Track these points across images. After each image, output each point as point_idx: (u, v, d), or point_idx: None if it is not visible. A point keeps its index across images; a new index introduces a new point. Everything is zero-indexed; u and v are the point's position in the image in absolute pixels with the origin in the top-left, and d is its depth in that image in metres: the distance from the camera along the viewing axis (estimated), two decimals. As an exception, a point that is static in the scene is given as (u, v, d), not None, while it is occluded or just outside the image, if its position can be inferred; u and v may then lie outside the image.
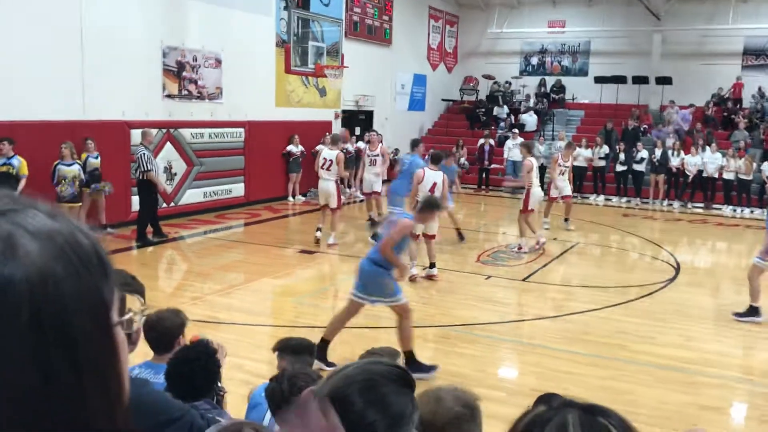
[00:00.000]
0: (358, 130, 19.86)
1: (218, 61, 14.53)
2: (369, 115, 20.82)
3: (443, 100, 25.11)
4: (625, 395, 5.72)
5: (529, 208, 11.61)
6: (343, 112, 19.32)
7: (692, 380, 5.99)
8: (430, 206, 6.71)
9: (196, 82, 14.08)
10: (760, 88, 21.19)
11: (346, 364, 1.36)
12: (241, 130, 15.24)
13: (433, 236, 9.71)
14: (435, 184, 9.61)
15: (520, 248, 11.51)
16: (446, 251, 12.03)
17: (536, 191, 11.77)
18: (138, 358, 3.26)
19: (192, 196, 14.10)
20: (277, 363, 3.62)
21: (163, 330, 3.24)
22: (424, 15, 23.49)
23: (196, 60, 13.99)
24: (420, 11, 23.18)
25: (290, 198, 16.62)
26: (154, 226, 11.39)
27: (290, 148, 16.53)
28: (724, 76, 21.84)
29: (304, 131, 17.01)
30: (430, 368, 5.95)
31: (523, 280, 9.80)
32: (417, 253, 9.44)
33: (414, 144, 12.64)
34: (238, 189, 15.30)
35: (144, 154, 10.97)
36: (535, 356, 6.69)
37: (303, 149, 16.67)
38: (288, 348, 3.65)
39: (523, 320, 7.78)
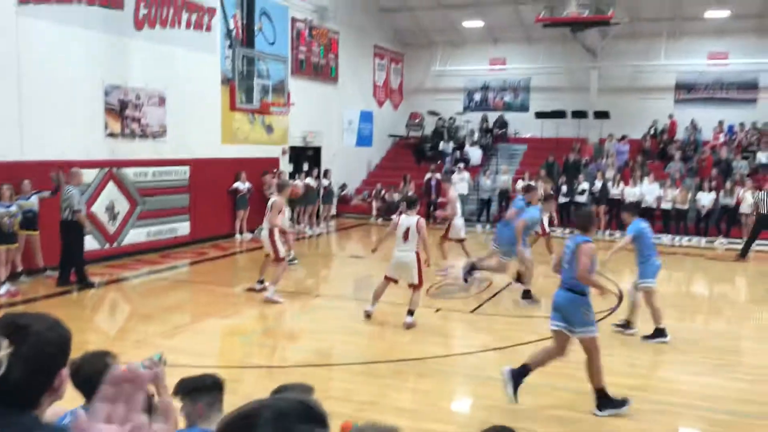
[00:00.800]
0: (306, 166, 19.87)
1: (162, 99, 14.41)
2: (317, 151, 20.88)
3: (390, 135, 25.41)
4: (575, 425, 5.78)
5: (450, 236, 12.72)
6: (291, 148, 19.33)
7: (637, 407, 6.09)
8: None
9: (139, 121, 13.90)
10: (692, 121, 22.11)
11: (251, 401, 1.29)
12: (186, 167, 15.08)
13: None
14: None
15: (445, 271, 12.44)
16: (398, 285, 12.05)
17: (457, 221, 12.85)
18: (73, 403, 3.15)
19: (135, 235, 13.82)
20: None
21: (87, 375, 3.07)
22: (369, 53, 23.84)
23: (139, 98, 13.84)
24: (365, 49, 23.52)
25: (238, 235, 16.44)
26: (79, 272, 10.78)
27: (237, 185, 16.42)
28: (659, 109, 22.74)
29: (252, 168, 16.93)
30: (622, 403, 5.92)
31: (472, 312, 9.87)
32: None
33: (527, 190, 11.62)
34: (183, 228, 15.06)
35: (73, 194, 10.67)
36: (485, 388, 6.71)
37: (250, 186, 16.57)
38: (182, 389, 3.33)
39: (473, 352, 7.81)
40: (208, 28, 15.60)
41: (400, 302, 10.47)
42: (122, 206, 13.48)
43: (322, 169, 20.35)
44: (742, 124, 21.65)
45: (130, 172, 13.65)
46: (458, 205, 12.92)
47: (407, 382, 6.72)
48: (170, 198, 14.60)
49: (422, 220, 8.88)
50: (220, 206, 16.05)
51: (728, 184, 18.06)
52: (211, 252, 14.66)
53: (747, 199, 17.27)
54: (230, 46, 14.97)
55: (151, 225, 14.17)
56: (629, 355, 7.81)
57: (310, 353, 7.70)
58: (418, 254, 8.81)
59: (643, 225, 8.77)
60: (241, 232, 16.47)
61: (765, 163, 19.78)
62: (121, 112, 13.45)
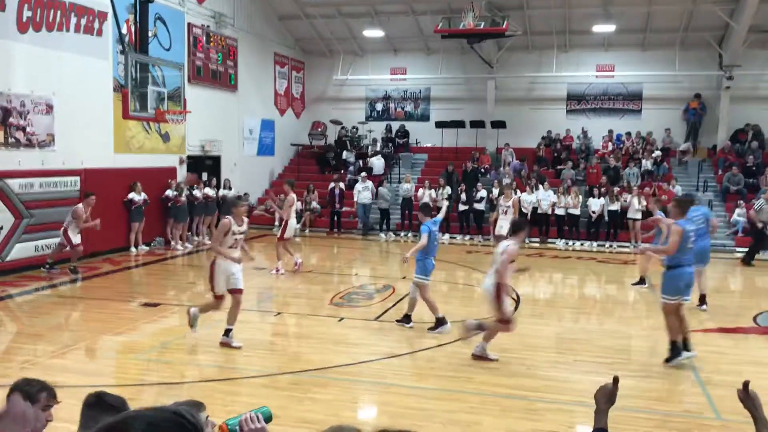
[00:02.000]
0: (205, 176, 19.40)
1: (50, 107, 13.71)
2: (216, 160, 20.44)
3: (293, 144, 25.22)
4: (474, 427, 5.89)
5: (285, 236, 13.82)
6: (189, 157, 18.82)
7: (534, 407, 6.29)
8: None
9: (24, 129, 13.16)
10: (583, 128, 23.21)
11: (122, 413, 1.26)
12: (77, 178, 14.39)
13: None
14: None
15: (277, 270, 13.44)
16: (301, 295, 11.96)
17: (292, 222, 14.01)
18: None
19: (21, 250, 13.05)
20: None
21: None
22: (269, 61, 23.60)
23: (24, 105, 13.11)
24: (265, 57, 23.27)
25: (133, 248, 15.83)
26: None
27: (132, 195, 15.82)
28: (552, 119, 23.76)
29: (148, 178, 16.35)
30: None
31: (375, 319, 9.91)
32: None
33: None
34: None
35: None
36: (387, 395, 6.74)
37: (146, 197, 16.01)
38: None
39: (375, 360, 7.82)
40: (99, 33, 14.99)
41: (305, 313, 10.40)
42: (6, 220, 12.70)
43: (222, 178, 19.94)
44: (628, 133, 22.90)
45: (14, 184, 12.88)
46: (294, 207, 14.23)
47: (309, 393, 6.64)
48: (60, 210, 13.86)
49: None
50: (113, 218, 15.39)
51: (616, 190, 19.05)
52: (104, 266, 14.04)
53: (634, 204, 18.27)
54: (122, 52, 14.40)
55: (39, 239, 13.42)
56: (526, 356, 8.05)
57: (211, 368, 7.49)
58: None
59: (434, 227, 9.45)
60: (136, 245, 15.87)
61: (650, 169, 20.97)
62: (4, 120, 12.70)
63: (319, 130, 25.21)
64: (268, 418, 2.71)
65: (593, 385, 6.96)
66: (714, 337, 9.28)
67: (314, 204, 21.42)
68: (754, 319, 10.38)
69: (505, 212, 15.75)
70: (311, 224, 21.15)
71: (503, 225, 14.27)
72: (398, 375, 7.35)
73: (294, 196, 14.08)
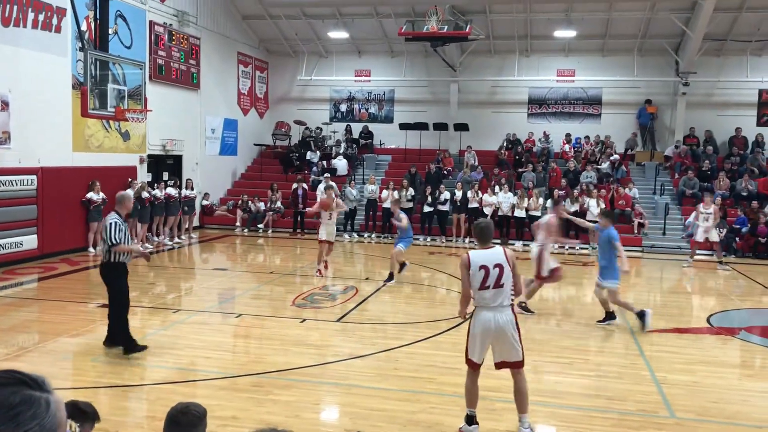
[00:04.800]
0: (166, 176, 19.16)
1: (5, 104, 13.40)
2: (178, 159, 20.20)
3: (256, 144, 25.06)
4: (436, 427, 5.94)
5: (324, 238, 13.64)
6: (149, 156, 18.57)
7: (494, 407, 6.37)
8: None
9: (-22, 126, 12.84)
10: (544, 132, 23.55)
11: None
12: (33, 177, 14.10)
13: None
14: None
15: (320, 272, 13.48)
16: (263, 297, 11.89)
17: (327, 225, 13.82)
18: None
19: (-26, 250, 12.72)
20: None
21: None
22: (233, 60, 23.42)
23: (-22, 102, 12.79)
24: (229, 56, 23.08)
25: (91, 249, 15.56)
26: None
27: (90, 195, 15.55)
28: (514, 122, 24.05)
29: (107, 177, 16.09)
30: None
31: (338, 320, 9.91)
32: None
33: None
34: (30, 241, 14.05)
35: None
36: (349, 396, 6.76)
37: (104, 196, 15.74)
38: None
39: (338, 361, 7.83)
40: (58, 29, 14.71)
41: (267, 314, 10.35)
42: (-42, 219, 12.38)
43: (184, 178, 19.71)
44: (587, 137, 23.31)
45: (-33, 182, 12.56)
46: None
47: (270, 395, 6.62)
48: (15, 210, 13.58)
49: None
50: (71, 218, 15.13)
51: (575, 192, 19.37)
52: (61, 267, 13.77)
53: (592, 206, 18.59)
54: (82, 49, 14.15)
55: (-7, 239, 13.11)
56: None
57: (171, 370, 7.41)
58: None
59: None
60: (94, 246, 15.60)
61: (608, 172, 21.37)
62: (-43, 116, 12.37)
63: (283, 130, 25.11)
64: None
65: (552, 386, 7.08)
66: (669, 337, 9.50)
67: (278, 204, 21.33)
68: (707, 319, 10.66)
69: None
70: (274, 225, 21.04)
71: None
72: (361, 376, 7.37)
73: (326, 196, 14.12)
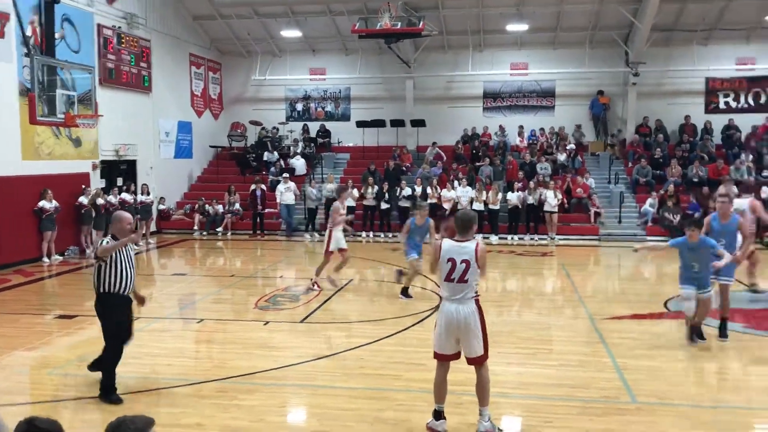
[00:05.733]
0: (120, 181, 18.80)
1: (-52, 112, 12.96)
2: (132, 164, 19.83)
3: (212, 146, 24.77)
4: (403, 423, 5.95)
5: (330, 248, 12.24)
6: (102, 162, 18.19)
7: (460, 401, 6.40)
8: None
9: None
10: (500, 126, 23.78)
11: None
12: (-19, 187, 13.68)
13: None
14: None
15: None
16: (224, 300, 11.76)
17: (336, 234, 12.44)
18: None
19: None
20: None
21: None
22: (184, 61, 23.08)
23: None
24: (180, 58, 22.73)
25: (45, 258, 15.18)
26: None
27: (43, 203, 15.16)
28: (470, 117, 24.23)
29: (59, 185, 15.71)
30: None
31: (302, 321, 9.85)
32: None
33: None
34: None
35: None
36: (316, 397, 6.72)
37: (58, 205, 15.38)
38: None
39: (302, 362, 7.78)
40: (1, 35, 14.28)
41: (230, 318, 10.23)
42: None
43: (139, 183, 19.36)
44: (542, 129, 23.62)
45: None
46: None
47: (235, 400, 6.54)
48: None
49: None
50: (23, 228, 14.73)
51: (531, 184, 19.62)
52: (14, 278, 13.39)
53: (549, 197, 18.85)
54: (27, 54, 13.78)
55: (-60, 252, 12.69)
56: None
57: (132, 379, 7.26)
58: None
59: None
60: (49, 255, 15.23)
61: (565, 164, 21.68)
62: None
63: (239, 131, 24.87)
64: None
65: (516, 377, 7.15)
66: (628, 323, 9.69)
67: (236, 206, 21.11)
68: (665, 304, 10.89)
69: None
70: (233, 227, 20.82)
71: None
72: (326, 376, 7.34)
73: (338, 204, 12.45)
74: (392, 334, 8.93)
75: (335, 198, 20.35)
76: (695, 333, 8.49)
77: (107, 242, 6.58)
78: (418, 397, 6.57)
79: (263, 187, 21.10)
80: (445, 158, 22.61)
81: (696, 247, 8.13)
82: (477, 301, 5.76)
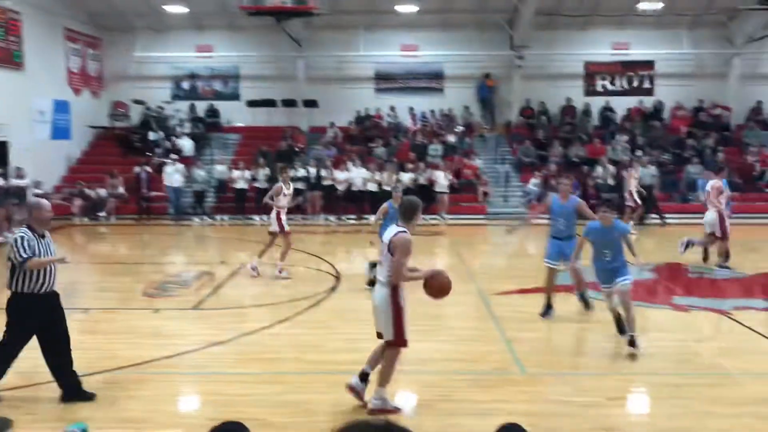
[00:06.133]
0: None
1: None
2: (3, 146, 18.50)
3: (91, 127, 23.49)
4: (303, 406, 5.93)
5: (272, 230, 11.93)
6: (-31, 144, 16.86)
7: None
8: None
9: None
10: (392, 107, 23.94)
11: None
12: None
13: None
14: None
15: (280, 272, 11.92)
16: (110, 288, 11.28)
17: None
18: None
19: None
20: None
21: None
22: (59, 36, 21.69)
23: None
24: (54, 32, 21.34)
25: None
26: None
27: None
28: (362, 98, 24.22)
29: None
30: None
31: (194, 308, 9.59)
32: None
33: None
34: None
35: None
36: (210, 385, 6.57)
37: None
38: None
39: (197, 350, 7.58)
40: None
41: (116, 307, 9.80)
42: None
43: (12, 166, 18.10)
44: (432, 111, 24.01)
45: None
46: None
47: (126, 391, 6.29)
48: None
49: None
50: None
51: (422, 165, 19.97)
52: None
53: (440, 178, 19.26)
54: None
55: None
56: (347, 331, 8.21)
57: (10, 375, 6.82)
58: None
59: None
60: None
61: (454, 144, 22.18)
62: None
63: (121, 110, 23.72)
64: None
65: (412, 353, 7.27)
66: (515, 297, 10.08)
67: (119, 190, 20.18)
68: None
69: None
70: (117, 212, 19.91)
71: None
72: (222, 363, 7.19)
73: (281, 185, 11.80)
74: (288, 318, 8.86)
75: (225, 180, 19.97)
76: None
77: (25, 239, 5.82)
78: (317, 378, 6.58)
79: (148, 169, 20.28)
80: (338, 139, 22.56)
81: (609, 230, 7.43)
82: (392, 286, 5.82)
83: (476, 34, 23.64)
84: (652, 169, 19.48)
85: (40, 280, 5.89)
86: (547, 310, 8.86)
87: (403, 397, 6.22)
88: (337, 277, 11.51)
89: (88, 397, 6.09)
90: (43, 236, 6.01)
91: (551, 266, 8.84)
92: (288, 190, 11.90)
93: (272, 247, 11.93)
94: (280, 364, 7.08)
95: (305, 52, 23.85)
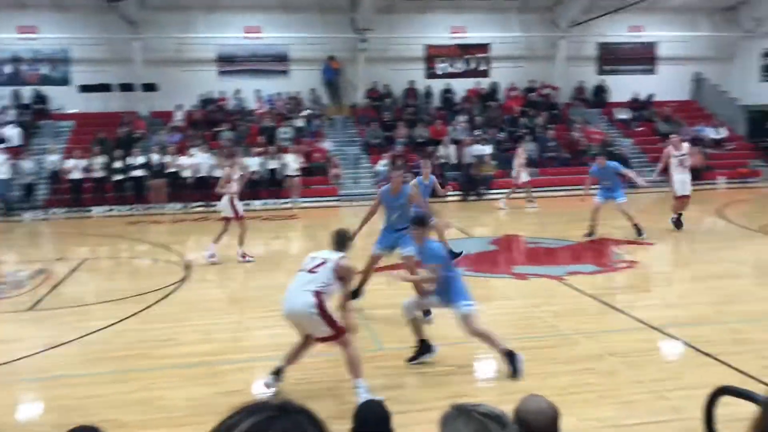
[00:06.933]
0: None
1: None
2: None
3: None
4: (157, 402, 5.73)
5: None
6: None
7: (215, 371, 6.34)
8: None
9: None
10: (237, 90, 23.40)
11: None
12: None
13: None
14: None
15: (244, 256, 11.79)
16: None
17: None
18: None
19: None
20: None
21: None
22: None
23: None
24: None
25: None
26: None
27: None
28: (204, 81, 23.47)
29: None
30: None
31: (30, 309, 8.93)
32: None
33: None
34: None
35: None
36: (54, 389, 6.17)
37: None
38: None
39: (34, 354, 7.07)
40: None
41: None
42: None
43: None
44: (279, 94, 23.75)
45: None
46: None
47: (-44, 405, 5.77)
48: None
49: None
50: None
51: (272, 149, 19.78)
52: None
53: (290, 161, 19.17)
54: None
55: None
56: (200, 322, 8.03)
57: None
58: None
59: None
60: None
61: (303, 127, 22.11)
62: None
63: (-69, 98, 21.40)
64: None
65: (270, 339, 7.24)
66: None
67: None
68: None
69: None
70: None
71: None
72: (66, 365, 6.76)
73: (229, 171, 11.96)
74: (136, 313, 8.49)
75: (57, 170, 18.63)
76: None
77: None
78: (169, 373, 6.38)
79: (-31, 162, 18.49)
80: (183, 123, 21.75)
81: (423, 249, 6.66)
82: (321, 297, 5.83)
83: (319, 16, 23.61)
84: (486, 148, 20.75)
85: None
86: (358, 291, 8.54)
87: (257, 387, 6.19)
88: (188, 268, 11.17)
89: None
90: None
91: (378, 253, 8.93)
92: (236, 175, 11.86)
93: (226, 233, 11.68)
94: (130, 361, 6.78)
95: (142, 34, 22.67)
